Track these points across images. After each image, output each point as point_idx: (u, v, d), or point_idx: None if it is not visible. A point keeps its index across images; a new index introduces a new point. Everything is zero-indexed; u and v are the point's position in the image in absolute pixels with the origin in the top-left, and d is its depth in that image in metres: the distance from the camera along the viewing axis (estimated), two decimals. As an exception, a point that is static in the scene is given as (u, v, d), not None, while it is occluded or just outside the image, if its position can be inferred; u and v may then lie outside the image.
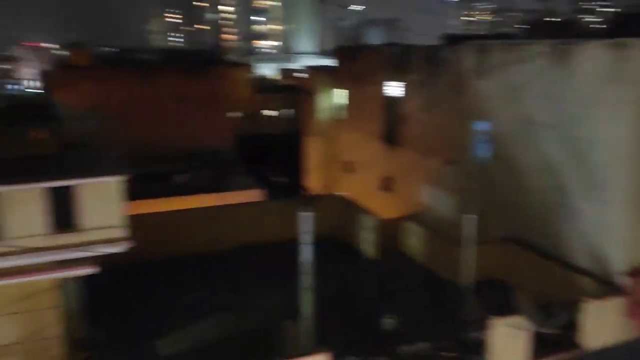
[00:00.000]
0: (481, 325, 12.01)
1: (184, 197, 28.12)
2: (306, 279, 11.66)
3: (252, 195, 25.81)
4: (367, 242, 18.84)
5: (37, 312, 10.51)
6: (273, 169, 36.93)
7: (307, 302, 11.78)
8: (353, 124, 24.46)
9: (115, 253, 10.39)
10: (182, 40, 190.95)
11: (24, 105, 28.57)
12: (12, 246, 9.06)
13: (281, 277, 14.21)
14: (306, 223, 11.42)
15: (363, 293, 16.48)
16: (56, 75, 37.13)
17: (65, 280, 11.08)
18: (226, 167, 32.76)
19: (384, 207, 20.19)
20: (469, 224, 13.95)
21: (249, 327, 14.08)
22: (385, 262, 18.23)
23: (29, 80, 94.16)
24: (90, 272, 10.60)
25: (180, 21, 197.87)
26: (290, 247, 12.25)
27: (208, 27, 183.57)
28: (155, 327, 14.00)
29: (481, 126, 15.43)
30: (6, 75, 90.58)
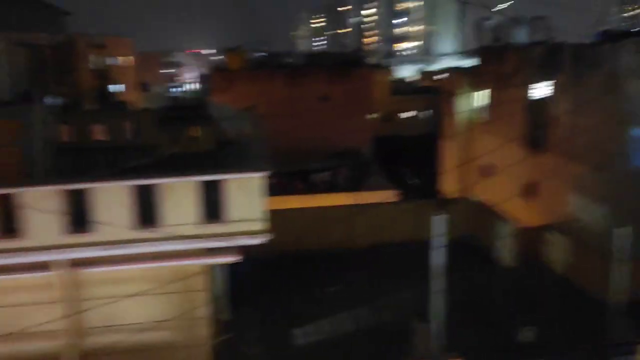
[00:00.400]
0: (630, 350, 11.02)
1: (322, 195, 29.14)
2: (438, 282, 11.60)
3: (387, 195, 25.94)
4: (504, 249, 18.09)
5: (187, 293, 11.67)
6: (408, 171, 36.78)
7: (438, 305, 11.71)
8: (493, 126, 23.57)
9: (256, 244, 11.21)
10: (325, 44, 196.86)
11: (184, 106, 31.53)
12: (167, 233, 10.21)
13: (413, 277, 14.24)
14: (439, 226, 11.36)
15: (497, 300, 15.90)
16: (213, 78, 40.46)
17: (212, 266, 12.19)
18: (363, 167, 33.30)
19: (522, 214, 19.23)
20: (622, 236, 12.83)
21: (381, 323, 14.31)
22: (523, 271, 17.38)
23: (189, 84, 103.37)
24: (233, 261, 11.55)
25: (324, 25, 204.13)
26: (423, 248, 12.25)
27: (350, 30, 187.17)
28: (291, 316, 14.79)
29: None
30: (170, 79, 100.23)
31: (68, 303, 10.91)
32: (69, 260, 10.58)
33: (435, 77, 55.60)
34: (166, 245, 10.36)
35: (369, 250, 19.13)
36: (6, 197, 9.55)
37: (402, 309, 14.76)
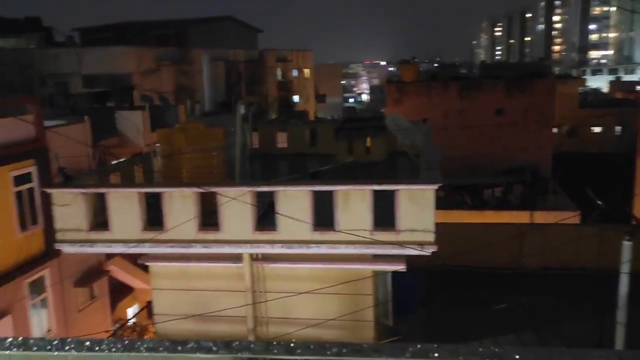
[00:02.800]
0: None
1: (493, 211, 28.22)
2: (622, 313, 10.76)
3: (566, 216, 24.34)
4: None
5: (355, 296, 12.35)
6: (593, 191, 33.86)
7: (620, 338, 10.85)
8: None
9: (423, 255, 11.48)
10: (506, 54, 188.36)
11: (359, 117, 32.78)
12: (342, 237, 10.95)
13: (586, 306, 13.32)
14: (629, 253, 10.55)
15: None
16: (387, 89, 41.43)
17: (379, 273, 12.72)
18: (540, 185, 31.50)
19: None
20: None
21: (548, 352, 13.61)
22: None
23: (364, 94, 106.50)
24: (399, 269, 11.95)
25: (505, 34, 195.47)
26: (602, 276, 11.46)
27: (532, 39, 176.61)
28: (454, 331, 14.75)
29: None
30: (346, 90, 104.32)
31: (252, 293, 12.25)
32: (256, 254, 11.91)
33: (634, 89, 50.34)
34: (340, 249, 11.11)
35: (539, 272, 18.17)
36: (211, 195, 11.09)
37: (572, 338, 13.86)
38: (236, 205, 11.00)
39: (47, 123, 19.36)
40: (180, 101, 36.90)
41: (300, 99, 63.05)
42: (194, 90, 40.57)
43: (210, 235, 11.42)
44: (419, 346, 0.95)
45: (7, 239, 16.49)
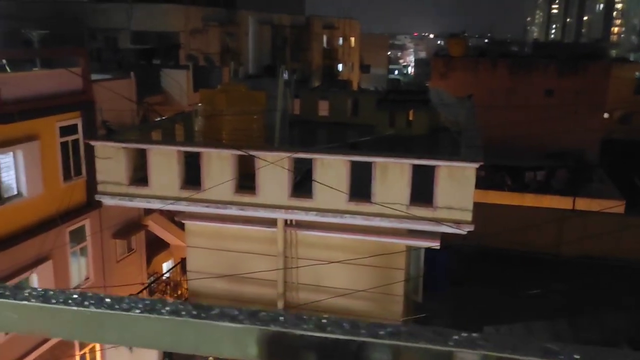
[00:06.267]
0: None
1: (534, 195, 27.53)
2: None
3: (610, 205, 23.57)
4: None
5: (386, 269, 12.28)
6: (642, 181, 32.60)
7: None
8: None
9: (458, 234, 11.27)
10: (562, 33, 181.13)
11: (403, 90, 32.23)
12: (378, 209, 10.83)
13: (627, 300, 12.91)
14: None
15: None
16: (433, 63, 40.49)
17: (412, 248, 12.59)
18: (585, 171, 30.50)
19: None
20: None
21: (580, 341, 13.33)
22: None
23: (409, 67, 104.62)
24: (433, 246, 11.79)
25: (562, 13, 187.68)
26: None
27: (590, 19, 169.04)
28: (484, 312, 14.58)
29: None
30: (392, 62, 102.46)
31: (284, 258, 12.32)
32: (291, 220, 11.93)
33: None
34: (375, 221, 11.01)
35: (578, 261, 17.70)
36: (250, 159, 11.10)
37: (608, 331, 13.50)
38: (273, 170, 10.98)
39: (94, 77, 19.67)
40: (224, 63, 36.96)
41: (344, 68, 62.35)
42: (239, 53, 40.52)
43: (246, 198, 11.47)
44: (464, 335, 0.82)
45: (51, 187, 17.00)
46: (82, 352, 18.04)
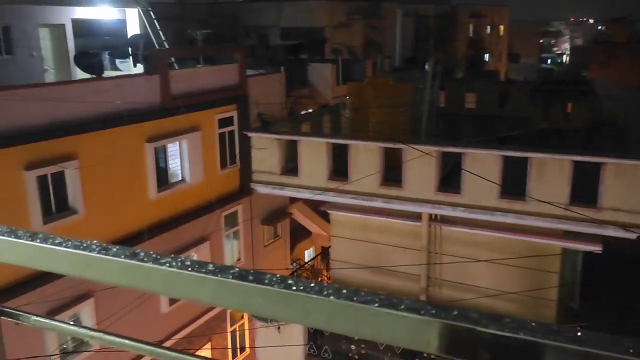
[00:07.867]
0: None
1: None
2: None
3: None
4: None
5: (538, 272, 11.54)
6: None
7: None
8: None
9: (623, 238, 10.24)
10: None
11: (559, 80, 29.97)
12: (532, 207, 10.21)
13: None
14: None
15: None
16: (592, 51, 37.17)
17: (568, 250, 11.68)
18: None
19: None
20: None
21: None
22: None
23: (563, 55, 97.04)
24: (593, 250, 10.83)
25: None
26: None
27: None
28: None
29: None
30: (547, 50, 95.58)
31: (428, 253, 12.13)
32: (436, 215, 11.71)
33: None
34: (528, 220, 10.40)
35: None
36: (396, 151, 11.07)
37: None
38: (420, 163, 10.83)
39: (248, 72, 20.89)
40: (368, 56, 37.19)
41: (490, 57, 59.56)
42: (383, 46, 40.53)
43: (392, 191, 11.46)
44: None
45: (210, 174, 18.40)
46: (232, 328, 19.39)
